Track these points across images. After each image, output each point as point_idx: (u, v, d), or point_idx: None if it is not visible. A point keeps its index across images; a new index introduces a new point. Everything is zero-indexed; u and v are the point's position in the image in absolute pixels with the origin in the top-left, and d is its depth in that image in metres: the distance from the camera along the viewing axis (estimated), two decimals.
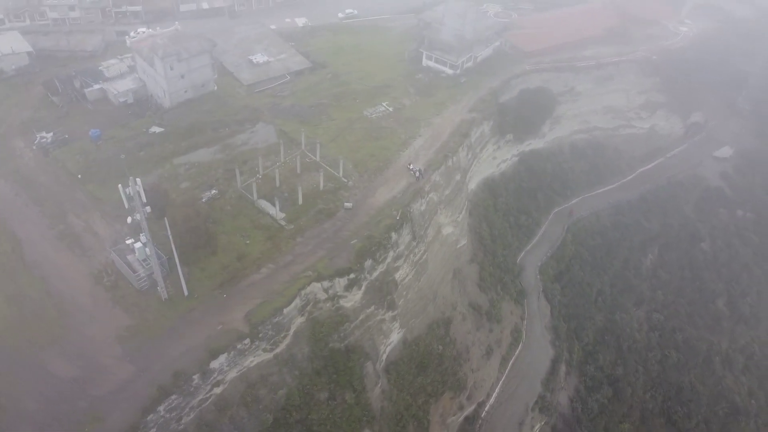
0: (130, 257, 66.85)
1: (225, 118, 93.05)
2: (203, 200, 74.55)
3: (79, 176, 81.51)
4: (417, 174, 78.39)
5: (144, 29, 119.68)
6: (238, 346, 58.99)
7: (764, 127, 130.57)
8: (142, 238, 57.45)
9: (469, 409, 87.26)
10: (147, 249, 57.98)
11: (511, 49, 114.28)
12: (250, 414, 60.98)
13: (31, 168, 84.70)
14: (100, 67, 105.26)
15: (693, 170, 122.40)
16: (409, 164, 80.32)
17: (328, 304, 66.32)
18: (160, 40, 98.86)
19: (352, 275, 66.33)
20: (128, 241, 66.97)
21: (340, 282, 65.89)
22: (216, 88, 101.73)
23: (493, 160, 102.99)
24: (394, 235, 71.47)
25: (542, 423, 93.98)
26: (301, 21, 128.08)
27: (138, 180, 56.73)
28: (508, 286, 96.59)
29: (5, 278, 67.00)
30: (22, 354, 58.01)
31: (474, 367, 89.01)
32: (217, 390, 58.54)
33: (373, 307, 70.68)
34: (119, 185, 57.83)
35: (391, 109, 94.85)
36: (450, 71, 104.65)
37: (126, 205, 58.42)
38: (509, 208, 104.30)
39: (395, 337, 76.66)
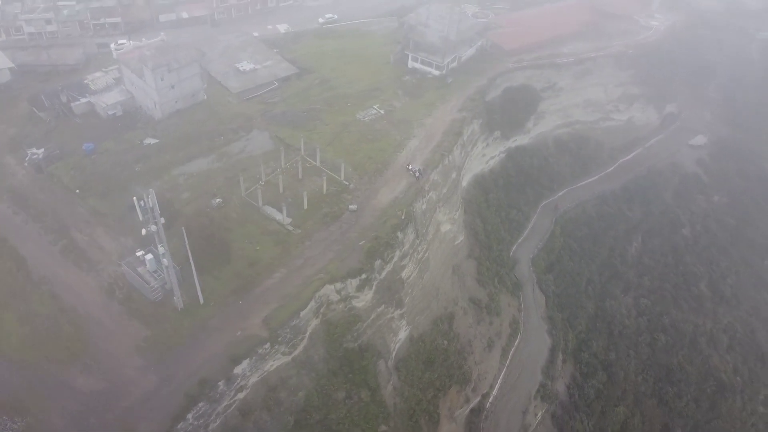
0: (140, 269, 67.16)
1: (219, 127, 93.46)
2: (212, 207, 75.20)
3: (78, 191, 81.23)
4: (417, 174, 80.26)
5: (124, 41, 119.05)
6: (259, 351, 59.99)
7: (734, 116, 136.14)
8: (160, 249, 57.90)
9: (474, 401, 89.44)
10: (164, 259, 58.41)
11: (493, 48, 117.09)
12: (272, 417, 61.98)
13: (26, 185, 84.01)
14: (85, 81, 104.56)
15: (670, 159, 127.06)
16: (408, 165, 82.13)
17: (340, 305, 67.69)
18: (147, 52, 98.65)
19: (363, 275, 67.82)
20: (138, 254, 67.36)
21: (352, 283, 67.32)
22: (205, 97, 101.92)
23: (483, 157, 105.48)
24: (400, 235, 73.17)
25: (544, 410, 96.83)
26: (283, 27, 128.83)
27: (152, 191, 57.15)
28: (505, 280, 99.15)
29: (14, 297, 66.71)
30: (42, 371, 58.05)
31: (477, 360, 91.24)
32: (241, 395, 59.45)
33: (383, 306, 72.28)
34: (134, 197, 58.11)
35: (382, 111, 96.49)
36: (436, 72, 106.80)
37: (141, 217, 58.71)
38: (500, 203, 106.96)
39: (403, 334, 78.35)
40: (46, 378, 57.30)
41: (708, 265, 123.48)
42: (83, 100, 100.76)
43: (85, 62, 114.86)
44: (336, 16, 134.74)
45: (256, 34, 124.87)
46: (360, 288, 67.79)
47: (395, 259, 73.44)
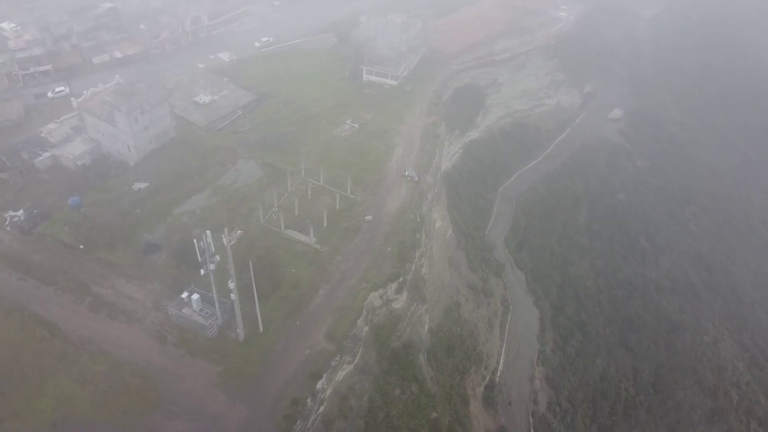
0: (185, 310, 68.48)
1: (203, 162, 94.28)
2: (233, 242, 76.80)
3: (81, 246, 79.72)
4: (416, 179, 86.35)
5: (62, 88, 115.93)
6: (332, 364, 63.69)
7: (639, 88, 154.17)
8: (230, 284, 59.94)
9: (487, 378, 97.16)
10: (232, 295, 60.59)
11: (435, 53, 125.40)
12: (348, 424, 65.85)
13: (18, 249, 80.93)
14: (42, 134, 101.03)
15: (596, 133, 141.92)
16: (404, 171, 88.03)
17: (383, 310, 72.57)
18: (108, 96, 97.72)
19: (400, 279, 73.03)
20: (183, 295, 68.53)
21: (392, 287, 72.42)
22: (175, 134, 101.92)
23: (448, 154, 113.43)
24: (418, 236, 79.03)
25: (542, 375, 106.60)
26: (226, 56, 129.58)
27: (208, 232, 59.26)
28: (490, 263, 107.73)
29: (61, 362, 65.38)
30: (126, 426, 58.37)
31: (483, 340, 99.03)
32: (321, 409, 62.86)
33: (414, 305, 77.87)
34: (194, 240, 59.70)
35: (356, 125, 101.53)
36: (393, 82, 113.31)
37: (199, 258, 60.40)
38: (469, 194, 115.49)
39: (426, 327, 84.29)
40: (132, 430, 57.78)
41: (643, 222, 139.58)
42: (46, 154, 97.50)
43: (28, 115, 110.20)
44: (272, 39, 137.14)
45: (201, 65, 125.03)
46: (398, 291, 73.01)
47: (416, 259, 79.21)
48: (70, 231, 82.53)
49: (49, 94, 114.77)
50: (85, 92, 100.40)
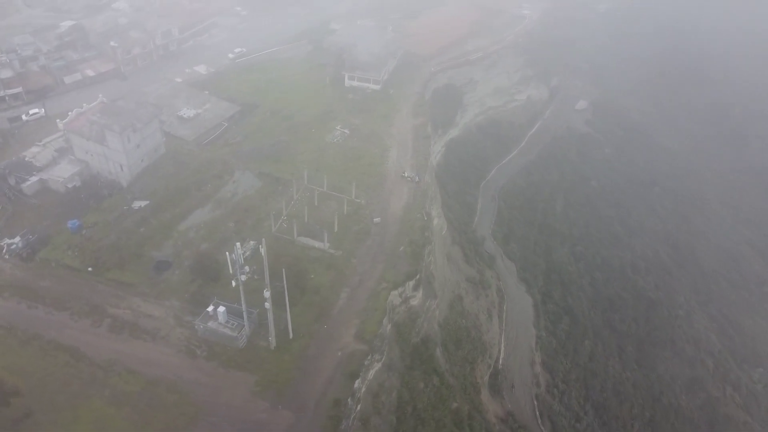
0: (211, 324, 69.14)
1: (200, 176, 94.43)
2: (245, 253, 77.60)
3: (90, 269, 78.93)
4: (416, 179, 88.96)
5: (36, 110, 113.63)
6: (365, 363, 65.63)
7: (600, 79, 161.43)
8: (265, 293, 61.00)
9: (491, 366, 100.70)
10: (266, 304, 61.73)
11: (410, 56, 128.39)
12: (383, 420, 67.89)
13: (21, 277, 79.47)
14: (27, 159, 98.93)
15: (565, 125, 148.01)
16: (404, 173, 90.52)
17: (402, 307, 74.92)
18: (93, 116, 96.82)
19: (417, 276, 75.50)
20: (209, 309, 69.14)
21: (410, 285, 74.81)
22: (164, 150, 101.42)
23: (433, 153, 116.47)
24: (427, 234, 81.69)
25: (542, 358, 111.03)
26: (202, 69, 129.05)
27: (238, 244, 60.32)
28: (483, 256, 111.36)
29: (90, 386, 64.90)
30: None
31: (485, 330, 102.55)
32: (358, 407, 64.70)
33: (429, 300, 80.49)
34: (227, 252, 60.53)
35: (347, 131, 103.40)
36: (375, 87, 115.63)
37: (231, 270, 61.28)
38: (456, 191, 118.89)
39: (437, 321, 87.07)
40: None
41: (615, 207, 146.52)
42: (33, 178, 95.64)
43: (3, 140, 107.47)
44: (244, 50, 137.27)
45: (179, 79, 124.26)
46: (416, 288, 75.50)
47: (425, 256, 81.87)
48: (75, 254, 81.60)
49: (24, 117, 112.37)
50: (70, 113, 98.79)
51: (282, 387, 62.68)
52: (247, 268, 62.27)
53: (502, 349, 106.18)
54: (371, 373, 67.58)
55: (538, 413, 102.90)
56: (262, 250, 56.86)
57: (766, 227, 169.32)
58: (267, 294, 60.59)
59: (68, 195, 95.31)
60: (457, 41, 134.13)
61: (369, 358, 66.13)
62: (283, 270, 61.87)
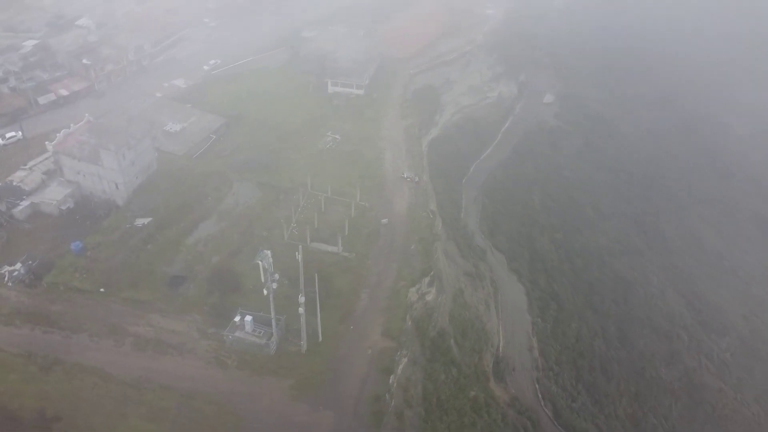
0: (238, 333, 70.16)
1: (199, 190, 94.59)
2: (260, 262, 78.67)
3: (102, 290, 78.42)
4: (416, 179, 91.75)
5: (13, 133, 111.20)
6: (396, 358, 67.98)
7: (562, 72, 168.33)
8: (301, 298, 62.50)
9: (493, 354, 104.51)
10: (300, 309, 63.26)
11: (386, 60, 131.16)
12: (414, 413, 70.30)
13: (29, 303, 78.17)
14: (14, 183, 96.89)
15: (535, 118, 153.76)
16: (403, 174, 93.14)
17: (419, 303, 77.63)
18: (82, 136, 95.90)
19: (432, 272, 78.27)
20: (236, 319, 70.12)
21: (425, 281, 77.52)
22: (156, 166, 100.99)
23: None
24: (435, 231, 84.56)
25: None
26: (181, 82, 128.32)
27: (268, 252, 61.76)
28: (475, 250, 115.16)
29: (123, 404, 64.87)
30: None
31: (485, 320, 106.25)
32: (393, 402, 67.01)
33: (441, 295, 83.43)
34: (259, 262, 61.71)
35: (338, 136, 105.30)
36: (358, 92, 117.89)
37: (263, 279, 62.53)
38: (442, 188, 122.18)
39: (447, 315, 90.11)
40: None
41: (588, 194, 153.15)
42: (24, 203, 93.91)
43: None
44: (219, 61, 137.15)
45: (159, 94, 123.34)
46: (430, 284, 78.30)
47: (434, 252, 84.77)
48: (83, 276, 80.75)
49: (1, 142, 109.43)
50: (57, 134, 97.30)
51: (319, 388, 64.30)
52: (277, 275, 63.72)
53: (501, 337, 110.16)
54: (399, 368, 69.94)
55: (540, 396, 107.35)
56: (299, 257, 58.44)
57: (718, 205, 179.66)
58: (302, 299, 62.20)
59: (62, 217, 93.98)
60: (430, 43, 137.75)
61: (398, 353, 68.39)
62: (315, 275, 63.51)
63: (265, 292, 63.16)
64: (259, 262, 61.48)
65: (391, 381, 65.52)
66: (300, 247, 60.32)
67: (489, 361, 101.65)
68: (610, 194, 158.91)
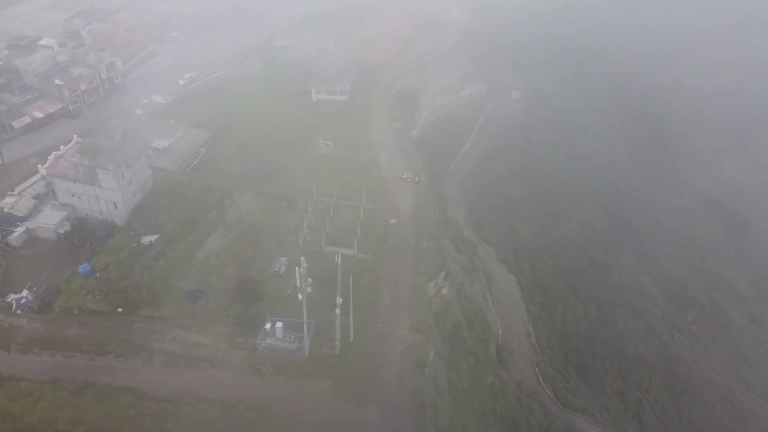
0: (269, 340, 71.42)
1: (201, 203, 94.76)
2: (279, 269, 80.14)
3: (120, 310, 78.01)
4: (417, 179, 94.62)
5: None
6: (427, 351, 70.68)
7: (524, 68, 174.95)
8: (338, 299, 64.28)
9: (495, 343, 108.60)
10: (337, 310, 65.11)
11: (363, 65, 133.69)
12: (444, 402, 73.14)
13: (44, 330, 77.15)
14: (5, 210, 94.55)
15: (506, 114, 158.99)
16: (403, 174, 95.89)
17: (437, 297, 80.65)
18: (74, 158, 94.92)
19: (447, 267, 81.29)
20: (267, 326, 71.35)
21: (441, 276, 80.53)
22: (152, 183, 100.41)
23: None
24: (443, 228, 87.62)
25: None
26: (159, 98, 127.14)
27: (303, 258, 63.48)
28: (467, 243, 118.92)
29: (164, 420, 65.28)
30: None
31: (485, 311, 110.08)
32: (428, 392, 69.65)
33: (454, 290, 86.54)
34: (296, 267, 63.18)
35: (330, 142, 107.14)
36: (342, 98, 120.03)
37: (298, 284, 64.06)
38: (428, 186, 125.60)
39: (458, 307, 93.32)
40: None
41: (561, 185, 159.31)
42: (19, 229, 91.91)
43: None
44: (194, 74, 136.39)
45: (139, 111, 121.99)
46: (446, 278, 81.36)
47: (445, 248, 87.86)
48: (97, 298, 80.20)
49: None
50: (48, 157, 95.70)
51: (358, 386, 66.37)
52: (309, 280, 65.39)
53: (500, 326, 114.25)
54: (429, 360, 72.67)
55: (541, 379, 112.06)
56: (338, 260, 60.41)
57: (670, 187, 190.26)
58: (339, 300, 64.08)
59: (60, 242, 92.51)
60: (403, 47, 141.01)
61: (429, 345, 71.09)
62: (350, 277, 65.55)
63: (299, 296, 64.66)
64: (297, 268, 63.03)
65: (426, 373, 68.02)
66: (339, 251, 62.25)
67: (492, 350, 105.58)
68: (580, 183, 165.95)
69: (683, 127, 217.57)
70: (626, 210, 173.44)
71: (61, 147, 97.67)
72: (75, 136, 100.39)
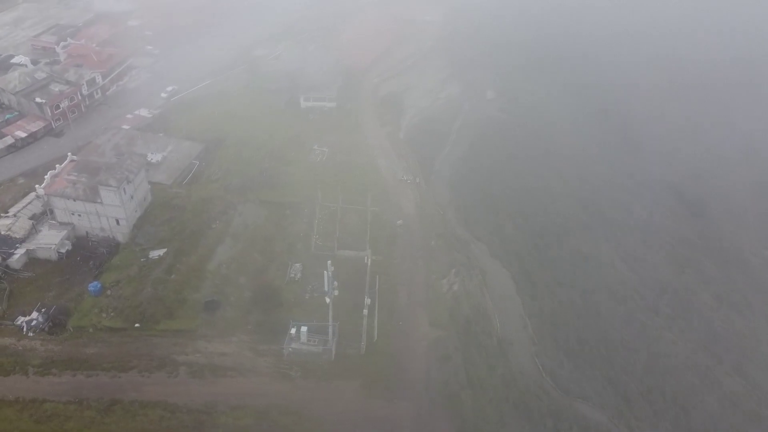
0: (294, 345, 72.73)
1: (205, 216, 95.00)
2: (294, 275, 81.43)
3: (137, 325, 78.01)
4: (417, 180, 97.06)
5: None
6: (449, 345, 73.15)
7: (497, 69, 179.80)
8: (367, 300, 66.11)
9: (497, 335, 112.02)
10: (365, 311, 66.97)
11: (347, 72, 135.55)
12: (466, 393, 75.83)
13: (59, 350, 76.73)
14: (2, 232, 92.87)
15: (483, 113, 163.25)
16: (403, 176, 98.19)
17: (449, 293, 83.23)
18: (70, 176, 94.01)
19: (458, 264, 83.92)
20: (292, 331, 72.62)
21: (452, 272, 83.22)
22: (151, 197, 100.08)
23: None
24: (448, 227, 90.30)
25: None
26: (144, 112, 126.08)
27: (329, 262, 65.23)
28: (461, 240, 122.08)
29: (199, 431, 65.95)
30: None
31: (484, 305, 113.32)
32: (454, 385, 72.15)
33: (463, 286, 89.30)
34: (324, 272, 64.73)
35: (325, 149, 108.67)
36: (331, 104, 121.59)
37: (326, 288, 65.68)
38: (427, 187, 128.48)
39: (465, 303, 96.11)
40: None
41: (540, 180, 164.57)
42: (19, 251, 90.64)
43: None
44: (176, 87, 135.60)
45: (126, 126, 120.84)
46: (457, 274, 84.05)
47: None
48: (112, 315, 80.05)
49: None
50: (45, 177, 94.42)
51: (387, 383, 68.42)
52: (336, 282, 67.15)
53: (497, 319, 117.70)
54: (448, 354, 75.21)
55: (541, 368, 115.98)
56: (368, 261, 62.34)
57: (636, 176, 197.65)
58: (368, 301, 66.05)
59: (62, 261, 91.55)
60: (385, 52, 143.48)
61: (449, 340, 73.58)
62: (377, 277, 67.49)
63: (327, 300, 66.32)
64: (325, 272, 64.70)
65: (450, 366, 70.47)
66: (369, 252, 63.96)
67: (495, 341, 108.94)
68: (553, 176, 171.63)
69: (642, 120, 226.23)
70: (598, 201, 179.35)
71: (57, 166, 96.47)
72: (69, 154, 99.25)
